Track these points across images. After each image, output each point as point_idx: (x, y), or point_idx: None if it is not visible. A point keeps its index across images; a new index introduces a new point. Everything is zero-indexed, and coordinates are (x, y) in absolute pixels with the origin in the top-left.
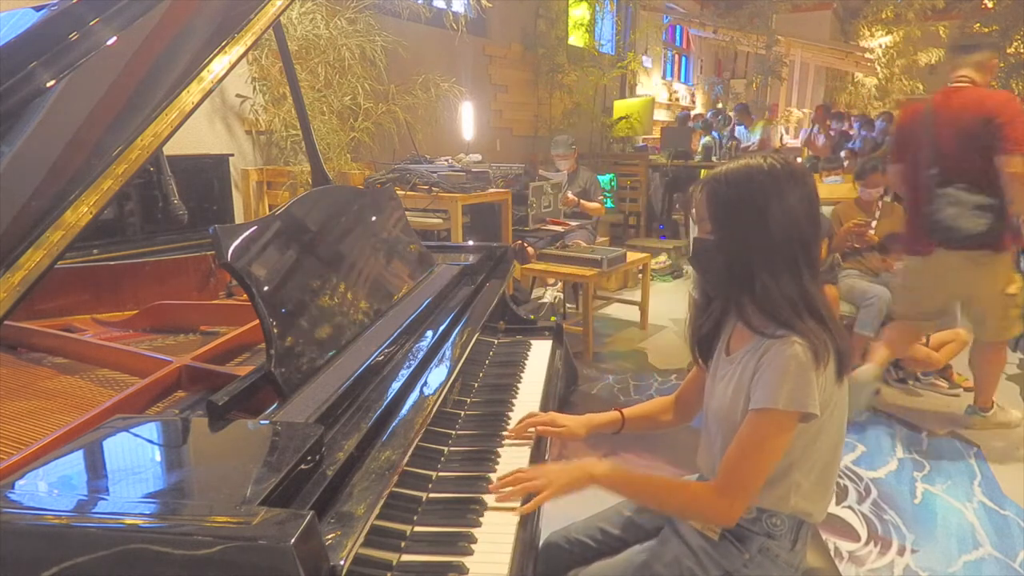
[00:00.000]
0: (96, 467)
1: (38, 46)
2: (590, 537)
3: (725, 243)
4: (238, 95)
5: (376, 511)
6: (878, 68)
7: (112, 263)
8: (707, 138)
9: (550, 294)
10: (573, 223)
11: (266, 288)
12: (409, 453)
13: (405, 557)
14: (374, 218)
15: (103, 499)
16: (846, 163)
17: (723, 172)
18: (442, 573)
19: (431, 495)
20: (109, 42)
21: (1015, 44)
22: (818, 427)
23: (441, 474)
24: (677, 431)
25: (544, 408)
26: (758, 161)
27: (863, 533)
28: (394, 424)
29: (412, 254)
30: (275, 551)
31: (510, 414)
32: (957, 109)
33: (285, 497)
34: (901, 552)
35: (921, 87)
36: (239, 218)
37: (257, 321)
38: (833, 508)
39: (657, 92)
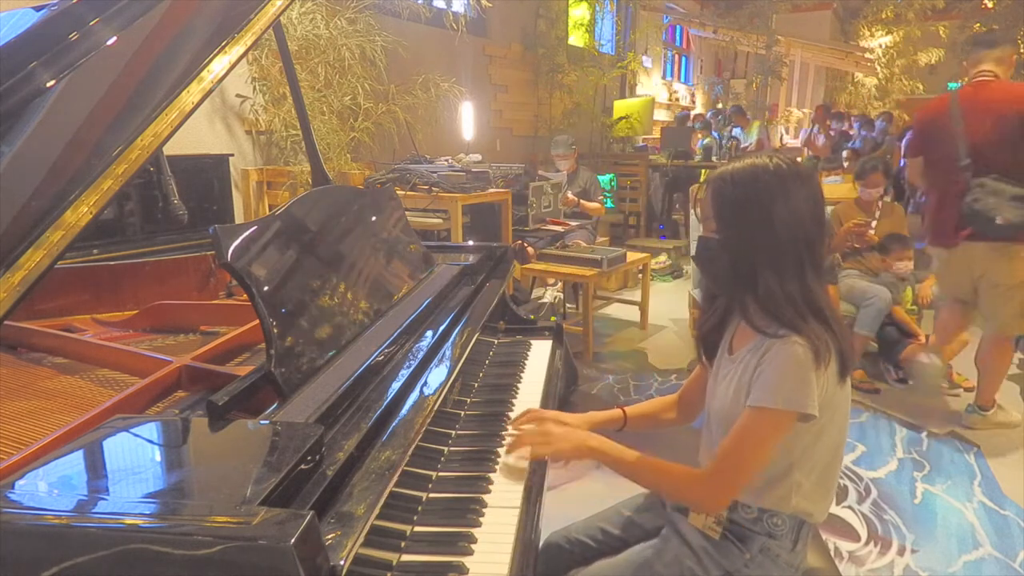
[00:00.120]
0: (96, 467)
1: (38, 46)
2: (590, 537)
3: (730, 242)
4: (238, 95)
5: (376, 511)
6: (878, 68)
7: (112, 263)
8: (707, 139)
9: (550, 294)
10: (573, 223)
11: (266, 288)
12: (409, 453)
13: (405, 557)
14: (374, 218)
15: (103, 499)
16: (847, 163)
17: (729, 171)
18: (442, 573)
19: (431, 495)
20: (109, 42)
21: (1015, 44)
22: (819, 427)
23: (441, 474)
24: (678, 431)
25: (544, 408)
26: (764, 161)
27: (863, 533)
28: (394, 424)
29: (412, 254)
30: (275, 551)
31: (510, 414)
32: (988, 102)
33: (285, 497)
34: (901, 552)
35: (921, 87)
36: (239, 218)
37: (257, 321)
38: (833, 508)
39: (657, 92)
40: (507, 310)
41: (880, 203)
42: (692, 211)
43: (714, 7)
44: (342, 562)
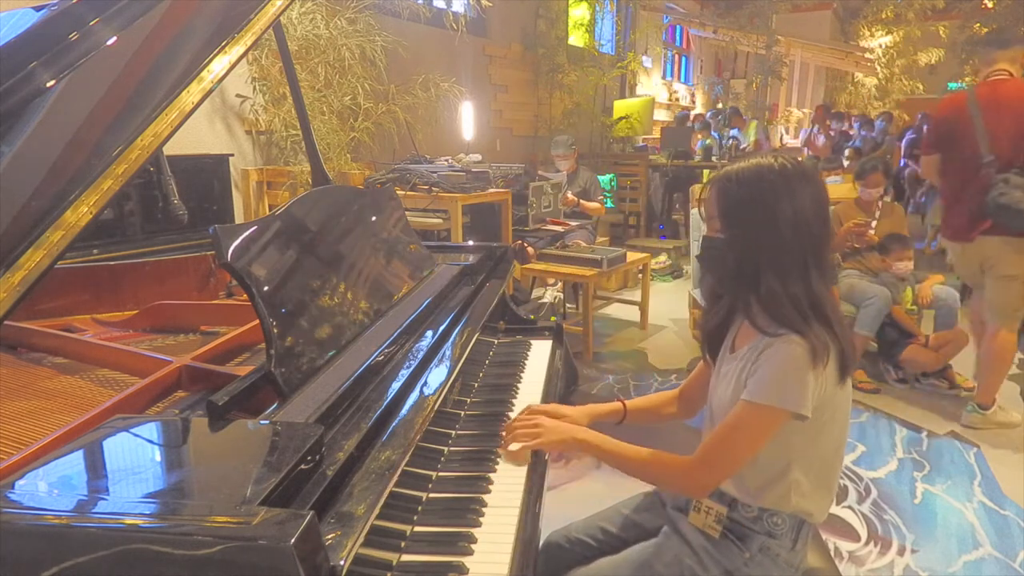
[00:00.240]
0: (96, 467)
1: (38, 46)
2: (590, 536)
3: (734, 242)
4: (238, 95)
5: (376, 511)
6: (878, 68)
7: (112, 263)
8: (707, 139)
9: (550, 294)
10: (573, 223)
11: (266, 288)
12: (409, 453)
13: (405, 557)
14: (374, 218)
15: (103, 499)
16: (847, 163)
17: (734, 171)
18: (442, 573)
19: (431, 495)
20: (109, 42)
21: None
22: (818, 427)
23: (441, 474)
24: (677, 430)
25: None
26: (769, 160)
27: (863, 533)
28: (394, 424)
29: (412, 254)
30: (275, 551)
31: (510, 414)
32: (1006, 99)
33: (285, 497)
34: (901, 552)
35: (921, 87)
36: (239, 218)
37: (257, 321)
38: (833, 508)
39: (657, 92)
40: (507, 310)
41: (880, 203)
42: (695, 210)
43: (714, 7)
44: (342, 562)
